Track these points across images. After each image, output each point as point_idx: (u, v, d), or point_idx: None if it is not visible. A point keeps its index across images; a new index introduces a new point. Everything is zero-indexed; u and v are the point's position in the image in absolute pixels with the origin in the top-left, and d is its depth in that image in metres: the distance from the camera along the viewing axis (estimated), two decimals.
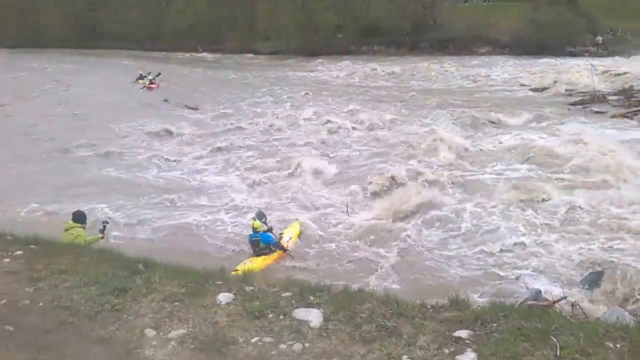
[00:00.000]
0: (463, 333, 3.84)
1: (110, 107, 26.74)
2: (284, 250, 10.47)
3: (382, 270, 9.64)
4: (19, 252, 5.97)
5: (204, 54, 51.45)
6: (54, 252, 6.00)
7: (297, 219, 11.93)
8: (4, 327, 4.33)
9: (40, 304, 4.73)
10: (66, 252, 6.00)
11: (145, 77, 33.02)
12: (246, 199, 13.72)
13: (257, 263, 10.01)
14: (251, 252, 10.51)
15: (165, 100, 27.34)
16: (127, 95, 30.37)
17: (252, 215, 11.16)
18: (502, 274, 9.31)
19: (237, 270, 8.87)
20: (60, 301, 4.74)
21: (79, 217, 8.79)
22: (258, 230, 10.42)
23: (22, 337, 4.21)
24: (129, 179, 15.79)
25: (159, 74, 33.29)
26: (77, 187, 14.84)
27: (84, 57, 53.08)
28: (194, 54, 51.59)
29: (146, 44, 55.87)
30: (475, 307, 4.41)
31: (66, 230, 8.48)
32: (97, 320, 4.43)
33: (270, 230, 10.63)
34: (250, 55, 47.96)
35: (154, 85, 31.96)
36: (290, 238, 10.97)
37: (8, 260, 5.76)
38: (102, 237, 9.00)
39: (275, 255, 10.44)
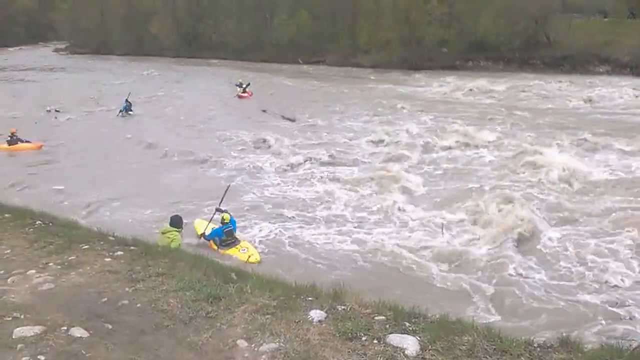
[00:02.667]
0: None
1: (213, 115, 28.04)
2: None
3: (480, 299, 9.15)
4: (119, 253, 6.22)
5: (304, 66, 52.30)
6: (152, 255, 6.19)
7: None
8: (104, 325, 4.47)
9: (139, 305, 4.86)
10: (163, 256, 6.17)
11: (242, 86, 34.10)
12: (335, 212, 13.70)
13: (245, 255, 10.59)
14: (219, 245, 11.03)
15: (264, 111, 28.15)
16: (228, 104, 31.57)
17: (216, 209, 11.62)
18: (613, 312, 8.59)
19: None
20: (157, 304, 4.85)
21: (176, 222, 9.02)
22: (227, 221, 11.01)
23: (120, 337, 4.32)
24: (223, 185, 16.15)
25: (249, 84, 34.48)
26: (172, 192, 15.40)
27: (186, 65, 55.81)
28: (294, 65, 52.49)
29: (247, 55, 57.67)
30: (587, 349, 4.07)
31: (163, 233, 8.73)
32: (191, 326, 4.48)
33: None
34: (350, 68, 48.03)
35: (245, 95, 33.03)
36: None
37: (109, 259, 6.01)
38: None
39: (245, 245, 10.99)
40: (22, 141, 20.90)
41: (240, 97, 33.00)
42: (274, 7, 59.17)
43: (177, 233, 8.81)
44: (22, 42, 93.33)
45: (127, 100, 28.28)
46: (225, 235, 10.98)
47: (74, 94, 35.58)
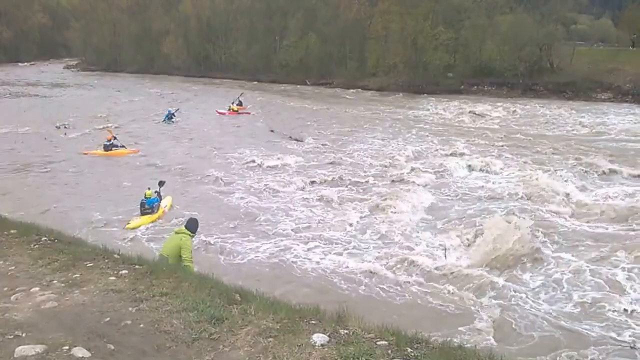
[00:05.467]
0: None
1: (222, 134, 28.32)
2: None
3: (482, 323, 9.10)
4: (124, 271, 6.17)
5: (311, 87, 52.74)
6: (157, 274, 6.15)
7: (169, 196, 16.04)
8: (106, 345, 4.44)
9: (141, 325, 4.83)
10: (168, 275, 6.14)
11: (235, 103, 35.75)
12: (338, 232, 13.71)
13: (144, 220, 14.41)
14: (139, 213, 14.76)
15: (272, 131, 28.39)
16: (236, 124, 31.72)
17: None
18: (613, 339, 8.56)
19: (129, 223, 14.25)
20: (160, 324, 4.81)
21: (192, 225, 8.67)
22: (149, 196, 14.76)
23: (122, 357, 4.29)
24: (229, 205, 16.21)
25: (242, 93, 37.25)
26: (186, 209, 15.47)
27: (196, 84, 56.25)
28: (301, 87, 52.91)
29: (256, 76, 58.32)
30: None
31: (177, 233, 8.44)
32: (194, 347, 4.44)
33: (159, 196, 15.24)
34: (357, 90, 48.52)
35: (223, 112, 34.85)
36: (166, 205, 15.51)
37: (114, 278, 5.97)
38: None
39: (155, 215, 14.71)
40: (117, 147, 22.91)
41: (219, 112, 34.92)
42: (283, 30, 59.98)
43: (189, 236, 8.51)
44: (34, 58, 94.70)
45: (170, 111, 32.18)
46: (140, 205, 14.76)
47: (83, 111, 35.89)
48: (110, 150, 22.59)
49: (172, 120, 31.66)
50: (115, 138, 23.12)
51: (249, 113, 35.45)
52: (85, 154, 22.78)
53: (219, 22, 67.12)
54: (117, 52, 78.03)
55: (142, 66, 72.34)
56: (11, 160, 21.62)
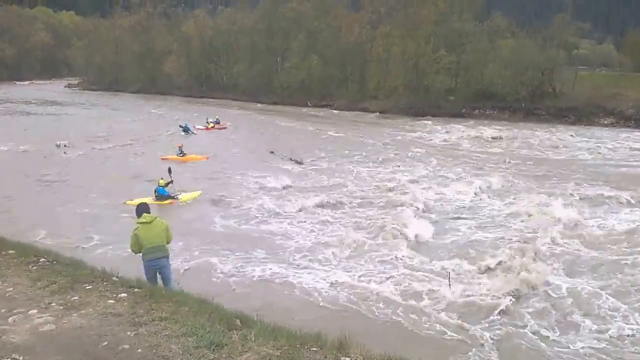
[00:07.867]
0: None
1: (221, 155, 28.33)
2: (173, 198, 18.15)
3: (486, 351, 8.94)
4: (123, 295, 6.10)
5: (312, 109, 52.94)
6: (156, 298, 6.09)
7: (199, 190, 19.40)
8: None
9: (140, 350, 4.75)
10: (167, 299, 6.07)
11: (208, 121, 38.70)
12: (340, 257, 13.58)
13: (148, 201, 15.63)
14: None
15: (272, 152, 28.34)
16: (237, 145, 31.82)
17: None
18: None
19: (131, 200, 16.90)
20: (158, 350, 4.73)
21: (147, 209, 8.54)
22: (161, 185, 17.83)
23: None
24: (230, 227, 16.13)
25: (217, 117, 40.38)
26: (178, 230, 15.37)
27: (197, 105, 56.38)
28: (302, 108, 53.16)
29: (257, 97, 58.55)
30: None
31: (151, 222, 8.26)
32: None
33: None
34: (358, 113, 48.67)
35: (201, 128, 37.53)
36: (188, 198, 18.50)
37: (112, 301, 5.90)
38: None
39: (166, 202, 17.74)
40: (185, 154, 26.46)
41: (207, 129, 37.62)
42: (285, 51, 60.43)
43: (160, 218, 8.56)
44: (36, 76, 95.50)
45: (186, 125, 35.41)
46: (154, 191, 17.83)
47: (84, 130, 36.03)
48: (183, 156, 26.10)
49: (189, 132, 34.61)
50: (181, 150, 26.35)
51: (225, 127, 38.35)
52: (164, 159, 25.46)
53: (221, 42, 67.81)
54: (119, 72, 78.59)
55: (144, 85, 72.85)
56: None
